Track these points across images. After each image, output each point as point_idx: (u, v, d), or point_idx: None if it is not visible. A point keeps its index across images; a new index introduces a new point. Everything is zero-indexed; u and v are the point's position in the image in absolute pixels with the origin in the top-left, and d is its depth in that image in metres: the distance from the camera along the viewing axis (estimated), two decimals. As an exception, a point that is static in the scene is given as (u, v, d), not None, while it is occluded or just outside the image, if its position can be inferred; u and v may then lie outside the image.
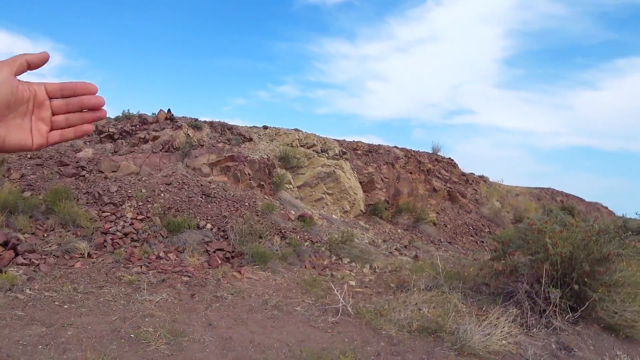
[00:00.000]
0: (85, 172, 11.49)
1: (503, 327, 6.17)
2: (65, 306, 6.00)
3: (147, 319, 5.75)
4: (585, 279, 7.31)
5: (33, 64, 0.80)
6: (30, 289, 6.49)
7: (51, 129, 0.85)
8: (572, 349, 6.39)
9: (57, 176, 11.21)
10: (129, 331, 5.30)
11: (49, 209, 9.29)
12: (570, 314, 7.25)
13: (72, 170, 11.38)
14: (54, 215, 9.05)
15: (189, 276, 7.71)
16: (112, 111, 15.06)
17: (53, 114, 0.85)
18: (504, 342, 6.01)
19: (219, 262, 8.62)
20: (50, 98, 0.84)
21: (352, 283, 8.77)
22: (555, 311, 7.24)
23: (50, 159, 11.93)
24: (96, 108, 0.87)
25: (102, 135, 13.23)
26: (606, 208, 28.60)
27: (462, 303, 7.61)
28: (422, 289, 7.86)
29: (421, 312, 6.97)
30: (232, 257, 9.06)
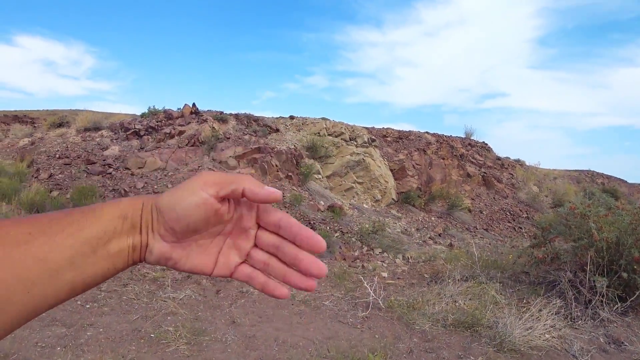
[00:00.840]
0: (112, 169, 11.48)
1: (546, 320, 5.76)
2: (88, 306, 5.87)
3: (169, 318, 5.57)
4: (635, 266, 6.78)
5: (251, 197, 0.60)
6: (55, 289, 6.40)
7: (243, 262, 0.67)
8: (622, 342, 5.92)
9: (85, 175, 11.23)
10: (150, 331, 5.13)
11: (74, 204, 9.27)
12: (619, 304, 6.75)
13: (99, 168, 11.37)
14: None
15: (215, 272, 7.53)
16: (140, 109, 15.05)
17: (256, 246, 0.67)
18: (547, 336, 5.59)
19: (246, 256, 8.42)
20: (261, 227, 0.65)
21: (384, 274, 8.44)
22: (602, 301, 6.75)
23: (78, 157, 11.97)
24: (310, 274, 0.67)
25: (128, 133, 13.21)
26: (650, 190, 27.36)
27: (501, 294, 7.19)
28: (458, 280, 7.48)
29: (457, 304, 6.59)
30: (260, 250, 8.85)
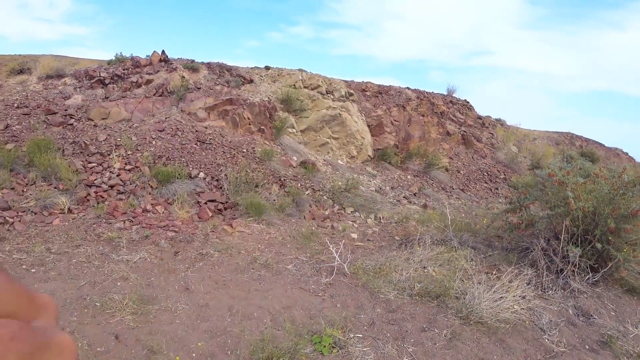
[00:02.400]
0: (73, 120, 10.82)
1: (515, 291, 5.53)
2: (34, 270, 5.46)
3: (119, 284, 5.20)
4: (610, 237, 6.57)
5: None
6: (-1, 249, 5.96)
7: None
8: (590, 314, 5.75)
9: (44, 126, 10.56)
10: (96, 299, 4.75)
11: (31, 162, 8.70)
12: (590, 275, 6.58)
13: (59, 119, 10.70)
14: (36, 168, 8.47)
15: (175, 231, 7.14)
16: (110, 56, 14.16)
17: None
18: (515, 307, 5.38)
19: (210, 214, 8.02)
20: None
21: (354, 236, 8.15)
22: (573, 271, 6.57)
23: (38, 107, 11.25)
24: None
25: (92, 81, 12.45)
26: (626, 154, 27.44)
27: (472, 260, 6.96)
28: (429, 244, 7.22)
29: (425, 271, 6.34)
30: (225, 208, 8.46)
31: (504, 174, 16.32)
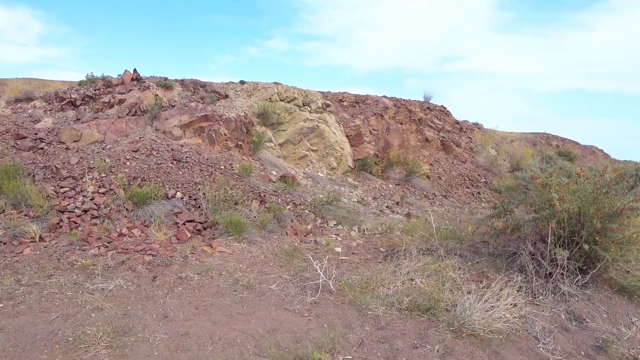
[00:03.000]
0: (44, 144, 10.49)
1: (506, 299, 5.39)
2: (1, 305, 5.15)
3: (93, 315, 4.92)
4: (597, 237, 6.49)
5: None
6: (-35, 283, 5.63)
7: None
8: (583, 319, 5.63)
9: (14, 151, 10.22)
10: (68, 333, 4.47)
11: (0, 189, 8.36)
12: (579, 277, 6.48)
13: (29, 144, 10.37)
14: (4, 195, 8.13)
15: (153, 255, 6.86)
16: (83, 77, 13.80)
17: None
18: (507, 316, 5.23)
19: (189, 235, 7.76)
20: None
21: (338, 250, 7.96)
22: (562, 274, 6.46)
23: (7, 132, 10.90)
24: None
25: (63, 103, 12.12)
26: (602, 151, 27.90)
27: (459, 269, 6.82)
28: (415, 255, 7.05)
29: (413, 283, 6.17)
30: (204, 228, 8.20)
31: (485, 178, 16.32)
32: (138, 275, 6.15)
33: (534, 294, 6.18)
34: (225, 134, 11.68)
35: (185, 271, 6.34)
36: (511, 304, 5.45)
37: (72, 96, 12.25)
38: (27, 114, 11.97)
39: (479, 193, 14.92)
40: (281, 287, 5.98)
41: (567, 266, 6.47)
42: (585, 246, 6.43)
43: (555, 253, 6.50)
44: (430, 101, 19.66)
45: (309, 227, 9.01)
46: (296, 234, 8.49)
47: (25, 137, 10.64)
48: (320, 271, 5.91)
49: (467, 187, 15.17)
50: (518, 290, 5.84)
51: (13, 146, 10.38)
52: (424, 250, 7.49)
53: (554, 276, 6.43)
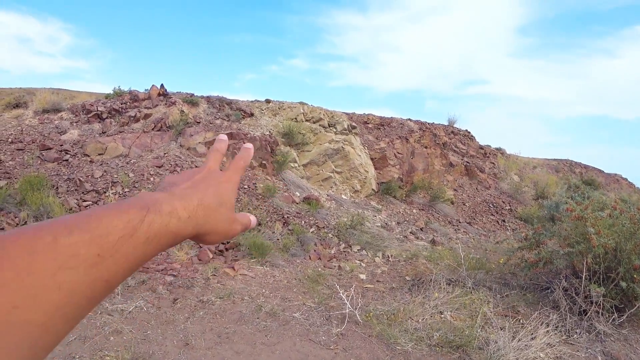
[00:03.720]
0: (69, 156, 10.53)
1: (542, 338, 5.13)
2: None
3: (112, 338, 4.78)
4: (634, 275, 6.19)
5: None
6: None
7: None
8: (623, 361, 5.33)
9: (39, 162, 10.26)
10: (85, 357, 4.34)
11: (23, 201, 8.35)
12: (615, 315, 6.17)
13: (54, 155, 10.42)
14: (28, 207, 8.11)
15: (174, 275, 6.74)
16: (109, 89, 13.95)
17: None
18: (542, 355, 4.97)
19: (211, 256, 7.63)
20: None
21: (362, 277, 7.75)
22: (598, 312, 6.16)
23: (33, 142, 10.97)
24: None
25: (89, 115, 12.21)
26: (626, 180, 27.24)
27: (489, 301, 6.56)
28: (443, 286, 6.81)
29: (442, 316, 5.93)
30: (227, 249, 8.07)
31: (510, 205, 15.99)
32: (159, 297, 6.01)
33: (568, 333, 5.90)
34: (249, 153, 11.60)
35: (207, 294, 6.19)
36: (546, 344, 5.19)
37: (99, 109, 12.33)
38: (53, 125, 12.06)
39: (504, 221, 14.59)
40: (305, 315, 5.79)
41: (603, 304, 6.18)
42: (623, 283, 6.14)
43: (590, 289, 6.22)
44: (455, 125, 19.46)
45: (333, 251, 8.82)
46: (320, 258, 8.31)
47: (50, 148, 10.70)
48: (347, 301, 5.71)
49: (492, 214, 14.85)
50: (552, 328, 5.57)
51: (38, 157, 10.43)
52: (452, 280, 7.25)
53: (589, 314, 6.14)
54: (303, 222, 9.57)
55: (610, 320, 6.18)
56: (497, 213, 15.00)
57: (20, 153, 10.44)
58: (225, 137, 0.82)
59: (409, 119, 16.93)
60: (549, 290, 6.84)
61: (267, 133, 12.48)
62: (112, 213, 0.53)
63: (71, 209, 8.29)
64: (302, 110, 13.51)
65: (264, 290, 6.56)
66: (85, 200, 8.71)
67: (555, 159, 25.31)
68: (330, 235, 9.40)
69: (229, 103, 13.62)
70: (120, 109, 12.40)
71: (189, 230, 0.61)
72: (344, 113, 14.99)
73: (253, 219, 0.78)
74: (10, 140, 10.96)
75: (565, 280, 6.65)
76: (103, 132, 11.66)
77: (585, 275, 6.35)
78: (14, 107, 13.13)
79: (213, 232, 0.67)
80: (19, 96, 13.53)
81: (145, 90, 13.27)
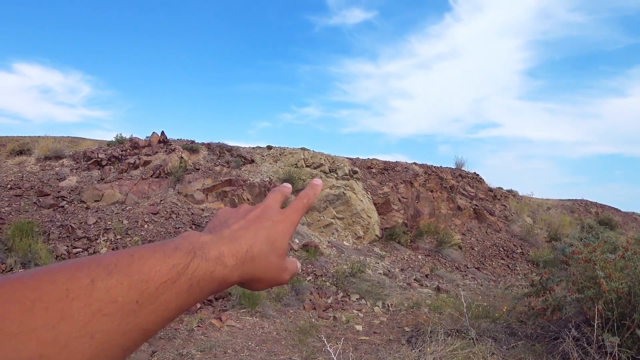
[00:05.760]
0: (65, 202, 10.38)
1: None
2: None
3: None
4: (651, 322, 5.70)
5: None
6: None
7: None
8: (643, 423, 4.80)
9: (35, 207, 10.11)
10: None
11: (13, 246, 8.15)
12: (633, 368, 5.65)
13: (51, 201, 10.28)
14: (15, 253, 7.89)
15: (157, 327, 6.36)
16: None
17: None
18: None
19: (198, 306, 7.26)
20: None
21: (359, 328, 7.30)
22: (613, 364, 5.64)
23: (31, 188, 10.88)
24: None
25: (89, 162, 12.14)
26: (643, 217, 26.48)
27: (493, 353, 6.07)
28: (442, 337, 6.34)
29: (440, 371, 5.46)
30: (216, 299, 7.71)
31: (521, 248, 15.43)
32: (136, 350, 5.63)
33: (581, 389, 5.38)
34: (248, 199, 11.37)
35: (188, 347, 5.80)
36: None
37: (99, 156, 12.28)
38: (54, 172, 12.00)
39: (515, 265, 14.03)
40: (290, 371, 5.36)
41: (618, 355, 5.66)
42: (639, 332, 5.65)
43: (603, 339, 5.72)
44: (463, 168, 19.15)
45: (329, 300, 8.40)
46: (314, 308, 7.89)
47: (47, 195, 10.58)
48: (334, 355, 5.28)
49: (502, 259, 14.30)
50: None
51: (34, 203, 10.30)
52: (454, 331, 6.77)
53: (603, 367, 5.62)
54: (300, 271, 9.19)
55: (627, 374, 5.66)
56: (508, 257, 14.45)
57: (18, 199, 10.32)
58: (319, 181, 0.78)
59: (414, 163, 16.69)
60: (559, 340, 6.33)
61: (267, 179, 12.28)
62: (156, 256, 0.49)
63: (60, 256, 8.05)
64: (302, 156, 13.34)
65: (249, 343, 6.14)
66: (75, 247, 8.47)
67: (570, 200, 24.74)
68: (327, 283, 9.00)
69: (230, 149, 13.51)
70: (120, 156, 12.34)
71: (234, 279, 0.58)
72: (347, 158, 14.80)
73: (298, 266, 0.71)
74: (9, 186, 10.87)
75: (576, 329, 6.16)
76: (102, 179, 11.54)
77: (598, 324, 5.86)
78: (17, 154, 13.15)
79: (261, 280, 0.62)
80: (23, 143, 13.58)
81: (146, 137, 13.24)
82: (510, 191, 21.38)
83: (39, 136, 14.75)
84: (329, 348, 5.41)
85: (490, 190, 19.40)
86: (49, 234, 8.90)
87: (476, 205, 17.07)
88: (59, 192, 10.86)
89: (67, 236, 8.90)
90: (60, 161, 12.70)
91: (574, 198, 25.04)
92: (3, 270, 7.65)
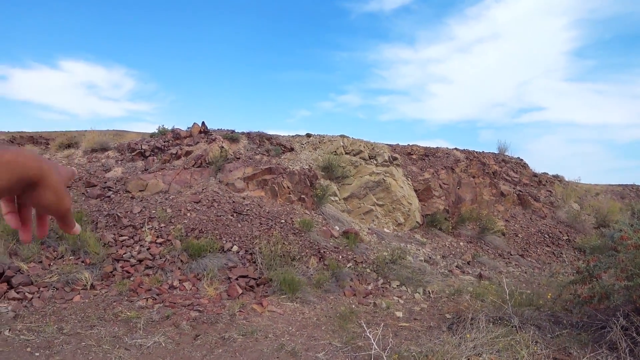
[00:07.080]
0: (111, 192, 10.72)
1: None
2: (37, 354, 4.96)
3: (123, 377, 4.58)
4: None
5: None
6: (10, 330, 5.52)
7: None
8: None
9: (83, 198, 10.50)
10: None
11: (63, 235, 8.50)
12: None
13: (97, 192, 10.63)
14: (65, 241, 8.23)
15: (200, 310, 6.54)
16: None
17: None
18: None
19: (240, 291, 7.40)
20: None
21: (399, 314, 7.29)
22: (664, 354, 5.44)
23: (79, 180, 11.28)
24: None
25: (133, 153, 12.48)
26: (700, 203, 25.10)
27: (537, 342, 5.94)
28: (484, 325, 6.25)
29: (481, 359, 5.39)
30: (257, 285, 7.83)
31: (567, 235, 14.98)
32: (180, 333, 5.81)
33: (629, 379, 5.21)
34: (288, 187, 11.46)
35: (230, 331, 5.93)
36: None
37: (143, 147, 12.59)
38: (100, 163, 12.40)
39: (561, 252, 13.65)
40: (329, 355, 5.41)
41: (669, 345, 5.46)
42: (691, 322, 5.42)
43: (653, 329, 5.52)
44: (506, 153, 18.70)
45: (370, 287, 8.41)
46: (354, 294, 7.92)
47: (95, 185, 10.94)
48: (374, 341, 5.29)
49: (547, 246, 13.94)
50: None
51: (83, 193, 10.68)
52: (496, 318, 6.66)
53: (653, 357, 5.43)
54: (340, 257, 9.22)
55: (679, 364, 5.44)
56: (553, 244, 14.07)
57: (67, 190, 10.72)
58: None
59: (456, 149, 16.39)
60: (606, 329, 6.14)
61: (307, 167, 12.32)
62: None
63: (107, 244, 8.34)
64: (342, 144, 13.31)
65: (290, 328, 6.23)
66: (122, 235, 8.75)
67: (620, 185, 23.73)
68: (368, 270, 9.00)
69: (269, 138, 13.62)
70: (162, 147, 12.62)
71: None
72: (386, 145, 14.68)
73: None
74: (59, 179, 11.30)
75: (624, 318, 5.96)
76: (145, 170, 11.85)
77: (647, 312, 5.67)
78: (66, 148, 13.64)
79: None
80: (70, 137, 14.07)
81: (187, 128, 13.48)
82: (556, 176, 20.73)
83: (86, 130, 15.23)
84: (368, 334, 5.42)
85: (535, 175, 18.87)
86: (96, 223, 9.22)
87: (520, 191, 16.66)
88: (105, 182, 11.21)
89: (114, 225, 9.20)
90: (106, 153, 13.10)
91: (624, 183, 24.03)
92: (55, 258, 8.00)
